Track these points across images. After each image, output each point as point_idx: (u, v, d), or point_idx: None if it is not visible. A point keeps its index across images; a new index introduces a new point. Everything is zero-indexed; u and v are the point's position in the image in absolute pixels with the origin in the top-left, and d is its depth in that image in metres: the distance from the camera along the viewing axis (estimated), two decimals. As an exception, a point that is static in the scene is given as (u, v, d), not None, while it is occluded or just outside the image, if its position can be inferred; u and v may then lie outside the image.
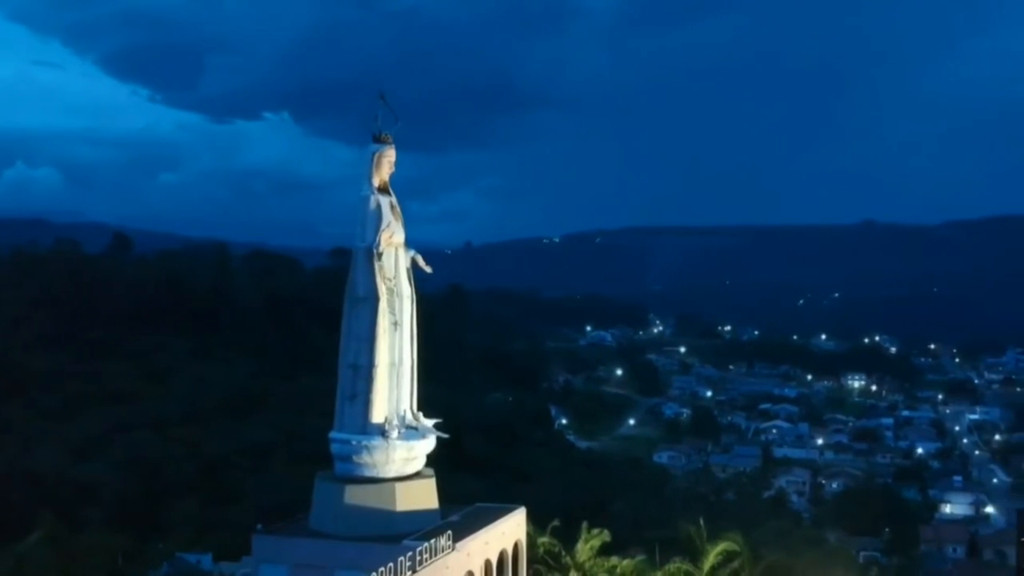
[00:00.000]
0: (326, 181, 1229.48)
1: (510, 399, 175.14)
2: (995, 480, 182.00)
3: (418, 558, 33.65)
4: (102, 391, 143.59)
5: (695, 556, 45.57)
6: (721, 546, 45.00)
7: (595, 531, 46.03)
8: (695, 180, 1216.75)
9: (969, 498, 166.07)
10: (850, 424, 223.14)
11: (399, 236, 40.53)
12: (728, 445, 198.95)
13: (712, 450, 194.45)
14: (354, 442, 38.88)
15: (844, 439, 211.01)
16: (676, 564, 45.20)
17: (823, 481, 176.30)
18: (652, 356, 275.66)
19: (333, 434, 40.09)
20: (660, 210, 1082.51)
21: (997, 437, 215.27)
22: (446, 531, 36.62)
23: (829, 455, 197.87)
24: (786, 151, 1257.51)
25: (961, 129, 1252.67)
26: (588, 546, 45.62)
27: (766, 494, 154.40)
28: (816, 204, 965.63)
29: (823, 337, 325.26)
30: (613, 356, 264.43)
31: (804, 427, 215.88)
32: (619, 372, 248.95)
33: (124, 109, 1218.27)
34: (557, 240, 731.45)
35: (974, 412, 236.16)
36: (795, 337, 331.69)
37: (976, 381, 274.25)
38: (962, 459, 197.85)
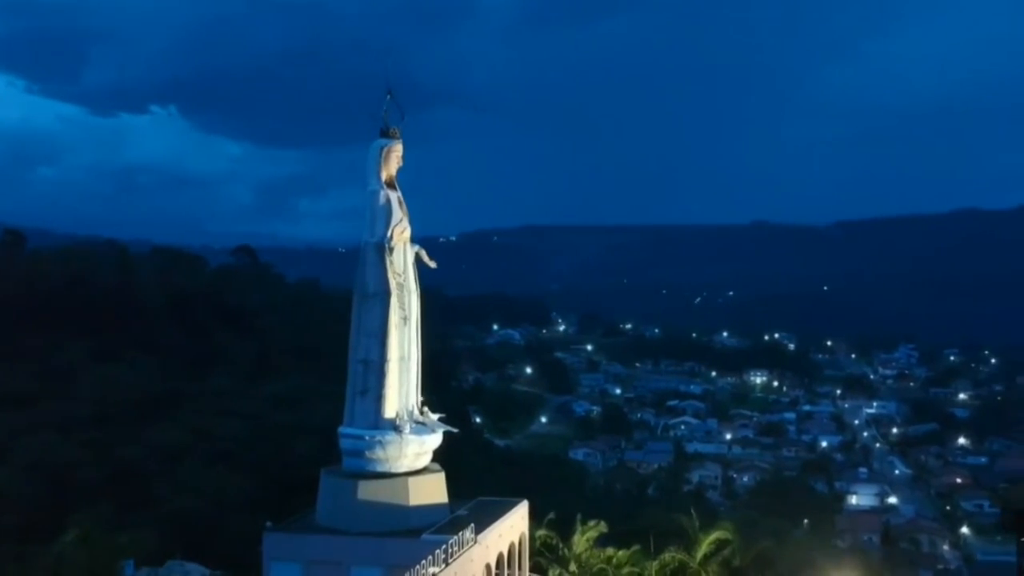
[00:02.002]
0: (214, 177, 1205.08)
1: (423, 398, 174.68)
2: (896, 472, 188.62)
3: (450, 551, 33.52)
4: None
5: (688, 546, 46.24)
6: (714, 535, 45.80)
7: (591, 523, 46.41)
8: (589, 179, 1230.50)
9: (874, 489, 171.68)
10: (754, 419, 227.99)
11: (407, 232, 40.42)
12: (641, 441, 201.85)
13: (625, 447, 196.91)
14: (367, 437, 38.58)
15: (750, 434, 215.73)
16: (671, 554, 45.77)
17: (734, 475, 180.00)
18: (560, 354, 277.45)
19: (343, 429, 39.75)
20: (555, 209, 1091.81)
21: (894, 430, 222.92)
22: (465, 524, 36.58)
23: (737, 450, 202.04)
24: (680, 152, 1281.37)
25: (848, 132, 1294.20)
26: (585, 538, 46.00)
27: (685, 488, 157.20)
28: (708, 204, 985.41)
29: (725, 335, 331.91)
30: (521, 354, 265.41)
31: (712, 423, 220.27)
32: (528, 370, 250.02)
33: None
34: (453, 239, 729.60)
35: (871, 406, 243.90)
36: (694, 335, 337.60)
37: (871, 376, 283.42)
38: (864, 452, 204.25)
